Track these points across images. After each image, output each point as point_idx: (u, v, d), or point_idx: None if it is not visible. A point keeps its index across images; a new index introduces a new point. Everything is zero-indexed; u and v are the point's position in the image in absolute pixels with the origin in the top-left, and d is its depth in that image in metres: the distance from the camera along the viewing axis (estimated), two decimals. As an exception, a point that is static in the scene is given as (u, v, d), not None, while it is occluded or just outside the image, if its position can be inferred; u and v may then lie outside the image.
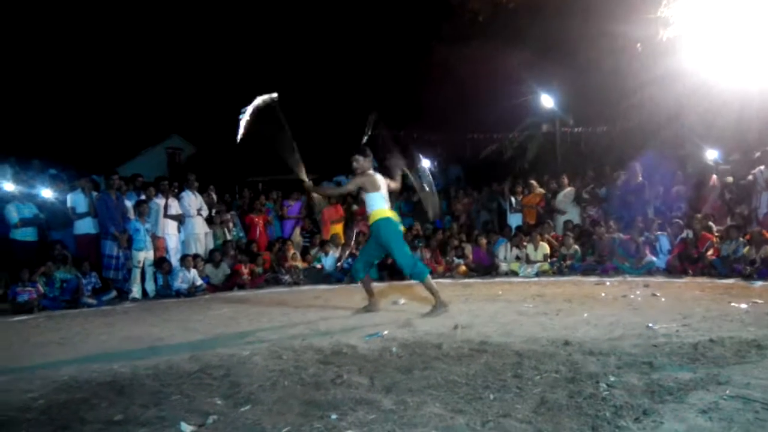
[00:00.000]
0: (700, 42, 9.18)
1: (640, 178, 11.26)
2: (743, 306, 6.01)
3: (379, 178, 6.61)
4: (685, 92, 11.85)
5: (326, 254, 11.08)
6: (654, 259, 9.81)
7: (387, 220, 6.52)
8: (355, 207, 13.26)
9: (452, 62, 18.37)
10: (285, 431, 2.82)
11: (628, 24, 10.41)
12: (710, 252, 9.32)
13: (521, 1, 11.16)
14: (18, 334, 6.51)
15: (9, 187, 9.67)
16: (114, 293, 9.43)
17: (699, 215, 10.13)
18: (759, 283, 7.97)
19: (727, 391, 3.08)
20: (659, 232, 10.08)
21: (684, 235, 9.82)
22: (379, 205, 6.53)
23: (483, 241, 11.37)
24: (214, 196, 11.91)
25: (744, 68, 9.16)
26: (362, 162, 6.57)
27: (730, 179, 10.63)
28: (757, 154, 10.20)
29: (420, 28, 19.72)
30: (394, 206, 13.21)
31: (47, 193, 10.09)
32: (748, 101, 11.11)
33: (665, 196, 11.33)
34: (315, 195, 11.17)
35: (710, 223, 9.82)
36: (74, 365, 4.47)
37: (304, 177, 6.70)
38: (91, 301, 8.92)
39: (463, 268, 11.01)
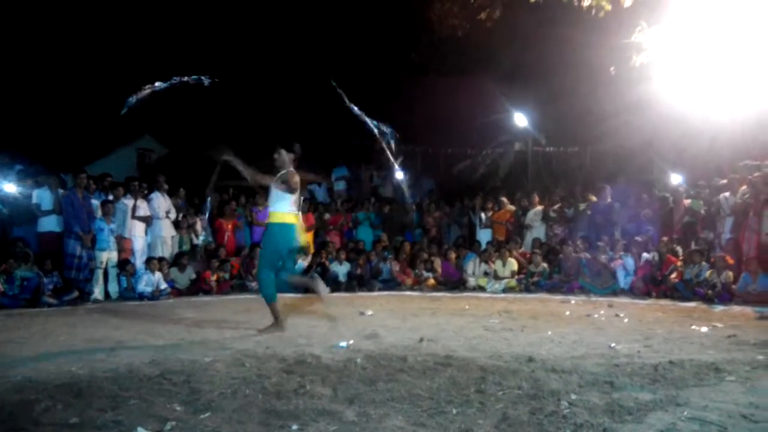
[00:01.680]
0: (674, 69, 9.38)
1: (609, 200, 11.45)
2: (704, 329, 6.13)
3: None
4: (658, 119, 12.09)
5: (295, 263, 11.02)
6: (620, 275, 9.96)
7: (291, 227, 5.98)
8: (327, 216, 13.22)
9: (428, 77, 18.51)
10: (244, 440, 2.78)
11: (602, 49, 10.60)
12: (674, 275, 9.49)
13: (498, 20, 11.31)
14: (-27, 332, 6.33)
15: None
16: (76, 293, 9.22)
17: (665, 238, 10.33)
18: (719, 308, 8.14)
19: (685, 413, 3.12)
20: (623, 253, 10.23)
21: (649, 257, 10.00)
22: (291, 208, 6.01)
23: (452, 255, 11.44)
24: (179, 201, 11.73)
25: (717, 97, 9.38)
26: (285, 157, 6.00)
27: (689, 202, 10.82)
28: (723, 180, 10.43)
29: (397, 42, 19.81)
30: (366, 218, 13.37)
31: (10, 187, 9.87)
32: (720, 130, 11.37)
33: (634, 218, 11.52)
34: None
35: (676, 247, 10.00)
36: (31, 365, 4.36)
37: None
38: (51, 300, 8.73)
39: (432, 281, 11.05)
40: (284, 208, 5.93)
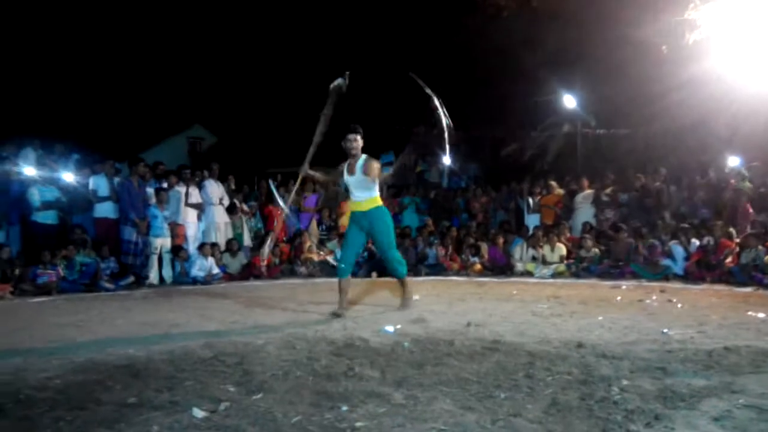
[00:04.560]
0: (729, 46, 9.05)
1: (659, 182, 11.16)
2: (761, 315, 5.94)
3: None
4: (711, 98, 11.70)
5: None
6: (670, 264, 9.72)
7: (385, 209, 6.29)
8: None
9: (473, 58, 18.28)
10: (296, 420, 2.84)
11: (654, 27, 10.30)
12: (729, 260, 9.21)
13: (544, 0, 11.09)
14: (36, 316, 6.62)
15: (31, 171, 9.79)
16: (132, 278, 9.55)
17: (719, 222, 10.02)
18: (777, 293, 7.87)
19: (741, 400, 3.04)
20: (673, 242, 9.95)
21: (704, 242, 9.72)
22: (377, 192, 6.23)
23: (499, 240, 11.34)
24: (233, 186, 12.01)
25: (773, 73, 9.04)
26: (360, 142, 6.17)
27: (748, 185, 10.47)
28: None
29: (442, 22, 19.59)
30: (411, 202, 13.37)
31: (69, 176, 10.21)
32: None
33: (688, 201, 11.21)
34: (331, 187, 11.05)
35: (731, 230, 9.69)
36: (91, 348, 4.54)
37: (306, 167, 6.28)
38: (108, 285, 9.05)
39: (479, 266, 10.99)
40: (375, 193, 6.17)
